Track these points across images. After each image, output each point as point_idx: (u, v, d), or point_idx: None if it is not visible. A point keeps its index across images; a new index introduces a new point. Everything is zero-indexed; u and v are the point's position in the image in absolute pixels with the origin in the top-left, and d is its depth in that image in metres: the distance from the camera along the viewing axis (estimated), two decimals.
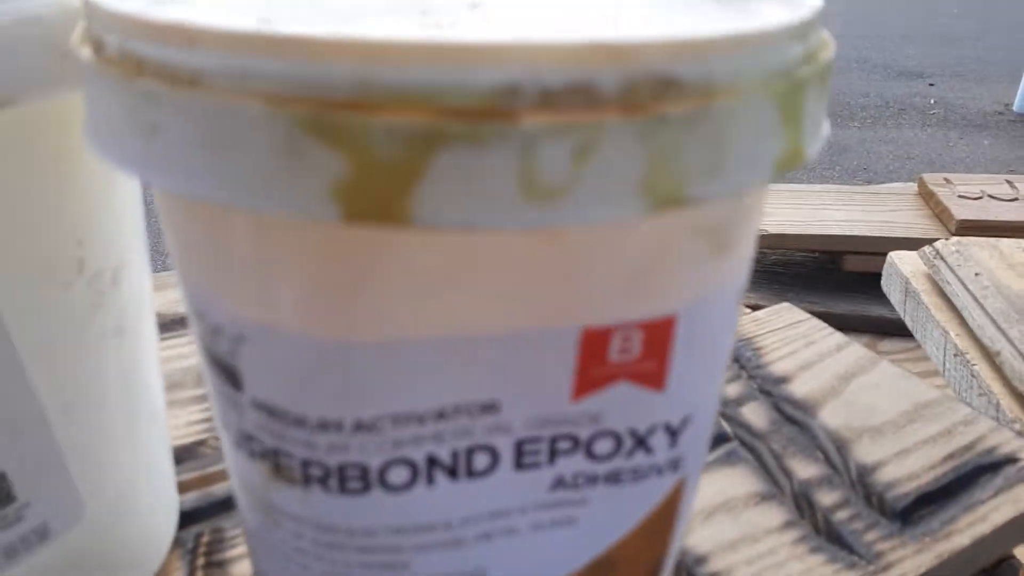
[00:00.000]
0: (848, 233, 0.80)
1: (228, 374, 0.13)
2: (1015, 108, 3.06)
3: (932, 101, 3.15)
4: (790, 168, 0.12)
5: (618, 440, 0.14)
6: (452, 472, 0.13)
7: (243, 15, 0.10)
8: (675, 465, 0.15)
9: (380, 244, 0.11)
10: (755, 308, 0.41)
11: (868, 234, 0.80)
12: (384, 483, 0.13)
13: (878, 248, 0.74)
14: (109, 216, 0.18)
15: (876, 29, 4.21)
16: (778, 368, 0.32)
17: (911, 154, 2.57)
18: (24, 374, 0.16)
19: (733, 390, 0.31)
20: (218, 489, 0.26)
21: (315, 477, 0.13)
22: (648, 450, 0.14)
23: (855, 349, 0.34)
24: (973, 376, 0.41)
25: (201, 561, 0.23)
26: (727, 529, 0.24)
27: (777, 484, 0.26)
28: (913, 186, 0.94)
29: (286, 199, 0.10)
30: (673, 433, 0.14)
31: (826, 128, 0.13)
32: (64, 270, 0.17)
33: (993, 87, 3.31)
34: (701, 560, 0.23)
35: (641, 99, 0.10)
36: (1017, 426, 0.35)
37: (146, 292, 0.20)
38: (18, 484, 0.17)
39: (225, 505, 0.25)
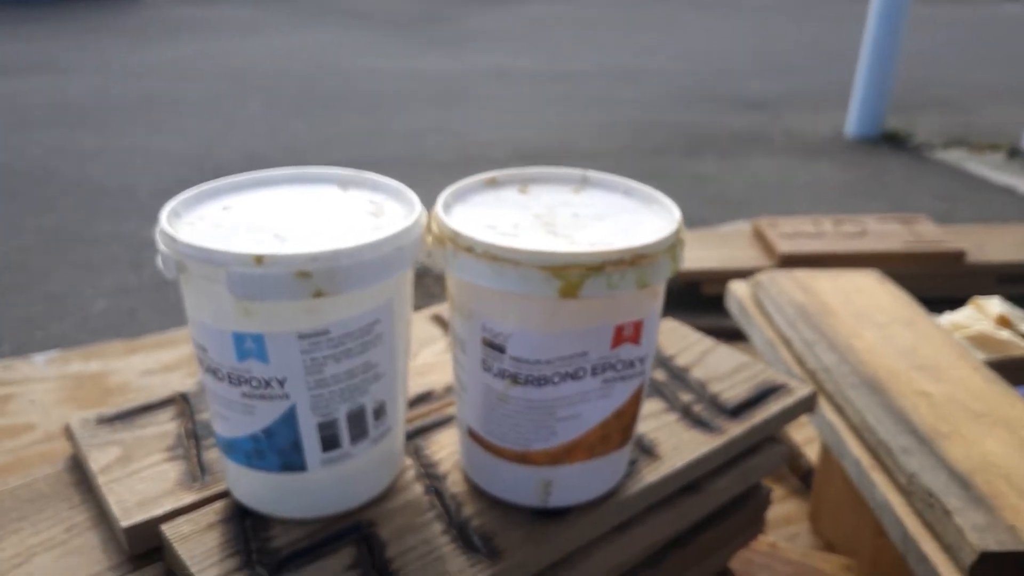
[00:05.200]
0: (703, 267, 1.15)
1: (498, 348, 0.43)
2: (847, 133, 3.51)
3: (777, 130, 3.60)
4: (676, 272, 0.42)
5: (625, 363, 0.44)
6: (572, 377, 0.43)
7: (506, 233, 0.40)
8: (643, 374, 0.45)
9: (563, 301, 0.41)
10: None
11: (718, 267, 1.15)
12: (551, 382, 0.43)
13: (725, 277, 1.08)
14: (409, 304, 0.47)
15: (724, 63, 4.71)
16: (668, 352, 0.64)
17: (761, 181, 2.96)
18: (401, 355, 0.45)
19: None
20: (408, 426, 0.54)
21: (529, 380, 0.43)
22: (634, 367, 0.45)
23: (707, 340, 0.66)
24: (777, 354, 0.75)
25: (416, 456, 0.52)
26: (652, 422, 0.55)
27: (671, 403, 0.57)
28: (749, 227, 1.31)
29: (543, 290, 0.40)
30: (643, 360, 0.45)
31: (685, 256, 0.44)
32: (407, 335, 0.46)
33: (828, 114, 3.80)
34: (645, 434, 0.54)
35: (635, 260, 0.40)
36: (795, 377, 0.68)
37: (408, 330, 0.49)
38: (388, 405, 0.45)
39: (414, 433, 0.54)
